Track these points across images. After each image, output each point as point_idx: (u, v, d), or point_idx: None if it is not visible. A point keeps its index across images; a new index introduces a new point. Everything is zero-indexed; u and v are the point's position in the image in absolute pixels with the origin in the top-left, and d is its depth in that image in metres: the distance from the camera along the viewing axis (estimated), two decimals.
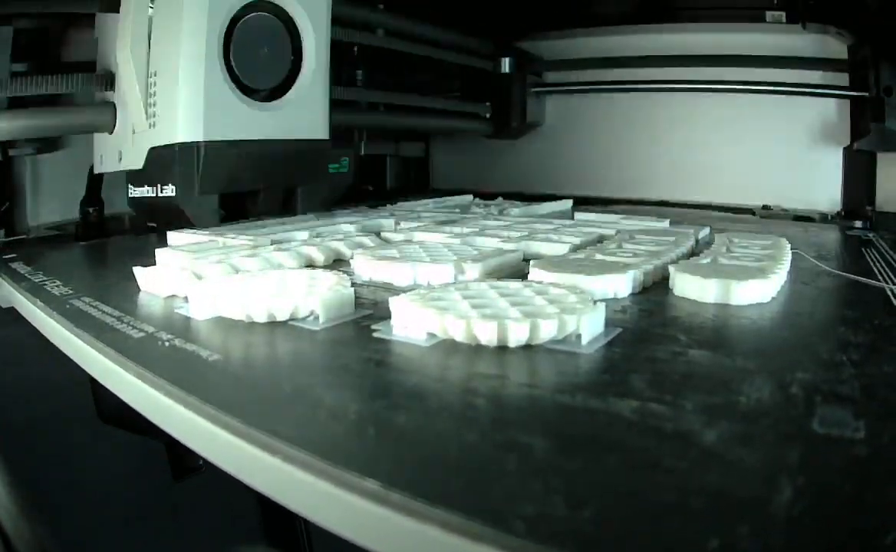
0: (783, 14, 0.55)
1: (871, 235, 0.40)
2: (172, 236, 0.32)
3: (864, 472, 0.11)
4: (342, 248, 0.28)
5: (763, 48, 0.56)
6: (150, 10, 0.35)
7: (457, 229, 0.33)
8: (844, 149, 0.54)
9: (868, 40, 0.52)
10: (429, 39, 0.60)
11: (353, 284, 0.21)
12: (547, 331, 0.16)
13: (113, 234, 0.43)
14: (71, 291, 0.24)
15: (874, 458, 0.11)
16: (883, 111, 0.51)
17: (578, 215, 0.42)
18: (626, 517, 0.09)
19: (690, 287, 0.21)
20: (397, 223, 0.37)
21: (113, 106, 0.39)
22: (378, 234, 0.33)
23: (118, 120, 0.39)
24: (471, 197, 0.56)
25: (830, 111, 0.56)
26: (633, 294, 0.22)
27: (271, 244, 0.28)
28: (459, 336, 0.16)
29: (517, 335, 0.16)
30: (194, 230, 0.33)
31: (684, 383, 0.14)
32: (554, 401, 0.13)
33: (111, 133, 0.39)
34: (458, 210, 0.46)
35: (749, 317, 0.19)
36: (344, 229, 0.33)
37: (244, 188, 0.38)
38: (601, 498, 0.10)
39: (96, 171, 0.42)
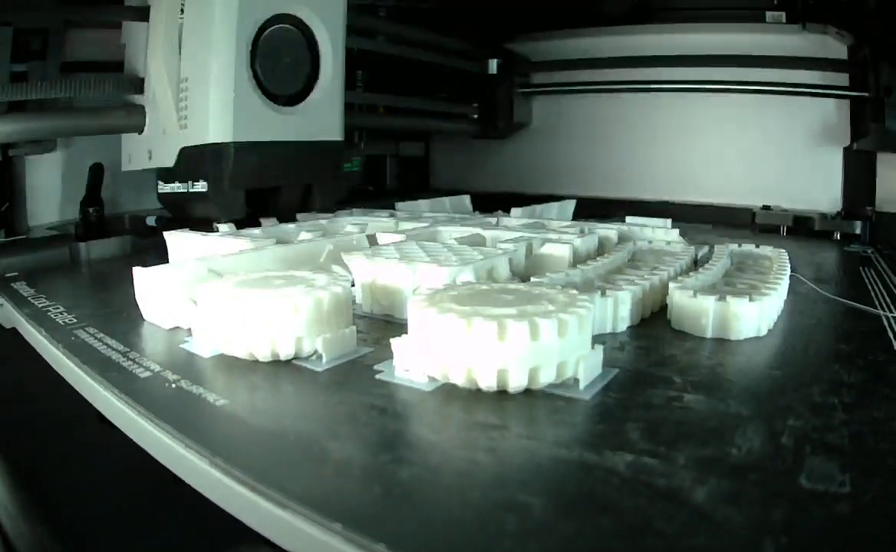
0: (783, 14, 0.54)
1: (869, 251, 0.40)
2: (171, 239, 0.32)
3: (846, 532, 0.11)
4: (341, 270, 0.28)
5: (763, 48, 0.56)
6: (180, 21, 0.39)
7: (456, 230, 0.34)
8: (844, 149, 0.54)
9: (868, 40, 0.51)
10: (419, 42, 0.62)
11: (354, 315, 0.21)
12: (546, 377, 0.16)
13: (113, 234, 0.43)
14: (75, 320, 0.24)
15: (856, 516, 0.12)
16: (883, 111, 0.50)
17: (580, 222, 0.42)
18: None
19: (687, 322, 0.22)
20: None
21: (142, 108, 0.42)
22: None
23: (148, 121, 0.42)
24: (468, 197, 0.56)
25: (830, 111, 0.55)
26: (630, 326, 0.23)
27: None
28: (460, 382, 0.16)
29: (516, 382, 0.16)
30: (191, 232, 0.33)
31: (678, 433, 0.15)
32: (551, 456, 0.14)
33: (141, 133, 0.42)
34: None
35: (745, 354, 0.20)
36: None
37: (268, 184, 0.42)
38: None
39: (124, 169, 0.45)
